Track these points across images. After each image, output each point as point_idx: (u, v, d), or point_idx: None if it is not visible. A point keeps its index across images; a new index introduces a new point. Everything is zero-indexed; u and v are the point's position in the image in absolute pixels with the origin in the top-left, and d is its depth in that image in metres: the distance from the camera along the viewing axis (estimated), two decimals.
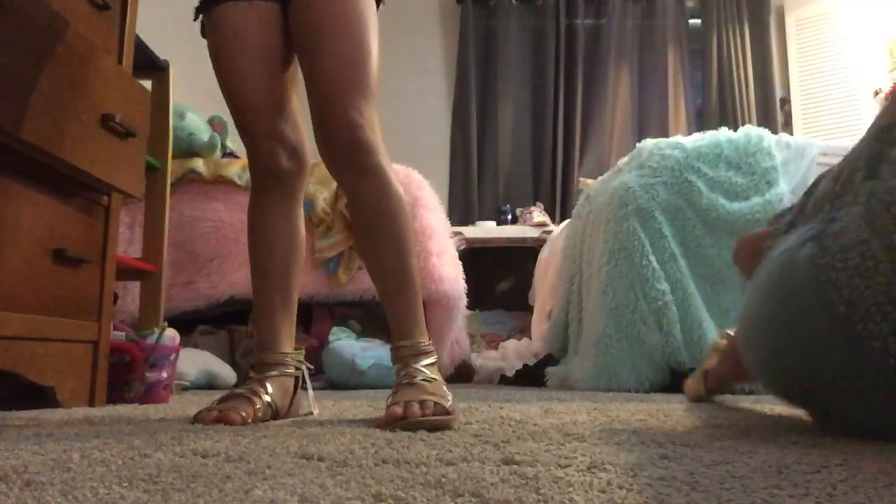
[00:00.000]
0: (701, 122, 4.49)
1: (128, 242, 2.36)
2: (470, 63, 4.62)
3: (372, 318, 2.54)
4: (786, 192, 2.21)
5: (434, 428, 0.94)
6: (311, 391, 1.24)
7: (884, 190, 0.80)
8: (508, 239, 4.05)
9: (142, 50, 1.81)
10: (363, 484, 0.55)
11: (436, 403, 0.99)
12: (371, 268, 1.17)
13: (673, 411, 1.27)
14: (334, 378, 2.24)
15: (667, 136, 3.70)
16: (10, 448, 0.74)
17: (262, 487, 0.53)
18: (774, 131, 2.95)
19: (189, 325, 2.51)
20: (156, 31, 1.99)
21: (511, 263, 4.21)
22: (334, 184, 2.50)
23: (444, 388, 1.07)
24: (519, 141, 4.57)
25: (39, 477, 0.56)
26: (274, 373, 1.16)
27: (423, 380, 1.06)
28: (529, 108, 4.63)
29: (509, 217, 4.24)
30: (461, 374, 3.00)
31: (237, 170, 2.53)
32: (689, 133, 2.86)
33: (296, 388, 1.20)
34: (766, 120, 4.36)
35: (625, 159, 2.51)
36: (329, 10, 1.15)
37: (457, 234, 3.65)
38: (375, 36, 1.18)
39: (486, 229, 4.08)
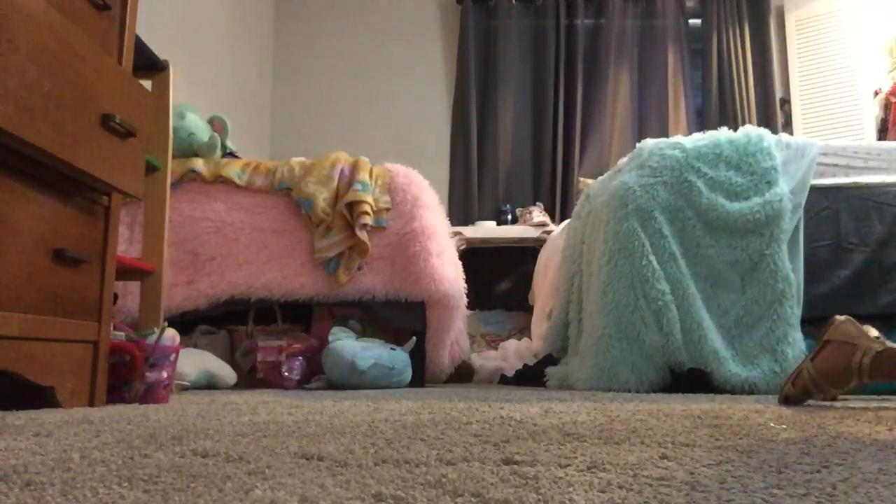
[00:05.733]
0: (701, 122, 4.49)
1: (128, 242, 2.36)
2: (470, 63, 4.62)
3: (372, 318, 2.54)
4: (786, 192, 2.21)
5: None
6: None
7: None
8: (508, 239, 4.04)
9: (142, 50, 1.80)
10: (363, 484, 0.55)
11: None
12: None
13: (673, 411, 1.27)
14: (334, 378, 2.24)
15: (667, 136, 3.70)
16: (10, 448, 0.74)
17: (262, 487, 0.53)
18: (774, 131, 2.95)
19: (189, 325, 2.51)
20: (156, 31, 1.99)
21: (511, 263, 4.21)
22: (334, 184, 2.50)
23: None
24: (519, 141, 4.57)
25: (39, 477, 0.56)
26: None
27: None
28: (529, 108, 4.62)
29: (509, 217, 4.24)
30: (461, 374, 3.00)
31: (237, 170, 2.52)
32: (689, 133, 2.86)
33: None
34: (766, 120, 4.36)
35: (625, 159, 2.50)
36: None
37: (457, 234, 3.66)
38: None
39: (486, 229, 4.07)
